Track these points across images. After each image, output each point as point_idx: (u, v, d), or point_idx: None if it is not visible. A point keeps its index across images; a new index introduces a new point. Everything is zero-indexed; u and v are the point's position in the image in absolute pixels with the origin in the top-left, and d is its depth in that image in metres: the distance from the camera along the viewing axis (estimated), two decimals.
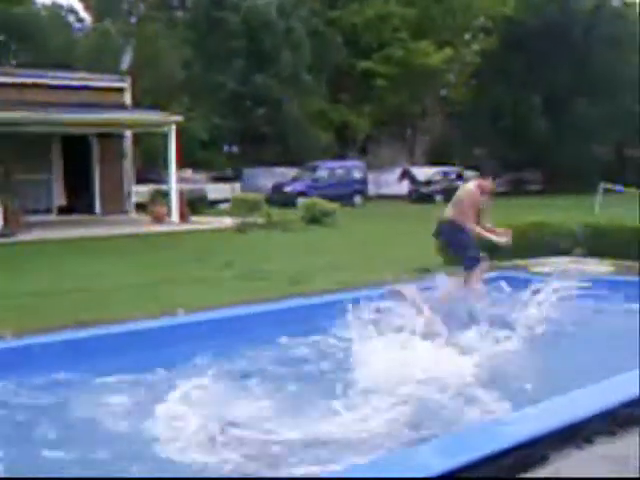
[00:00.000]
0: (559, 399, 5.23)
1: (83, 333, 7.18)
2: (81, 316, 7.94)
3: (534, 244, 12.82)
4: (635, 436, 4.76)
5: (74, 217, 22.27)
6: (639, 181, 31.09)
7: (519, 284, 8.75)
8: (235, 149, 38.34)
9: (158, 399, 5.23)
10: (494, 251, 12.08)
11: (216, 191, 30.91)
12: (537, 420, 4.77)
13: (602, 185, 24.70)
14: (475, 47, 47.03)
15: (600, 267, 11.22)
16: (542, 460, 4.35)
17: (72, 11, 41.64)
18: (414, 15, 42.21)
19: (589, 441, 4.64)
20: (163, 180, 23.27)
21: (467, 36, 48.61)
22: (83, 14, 42.21)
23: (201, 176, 33.99)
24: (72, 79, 23.75)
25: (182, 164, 25.68)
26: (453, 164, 41.56)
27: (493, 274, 10.76)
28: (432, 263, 12.54)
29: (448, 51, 41.50)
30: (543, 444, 4.44)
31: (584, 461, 4.42)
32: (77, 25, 42.15)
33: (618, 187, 26.05)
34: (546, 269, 10.97)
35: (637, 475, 3.81)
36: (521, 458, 4.28)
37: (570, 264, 11.51)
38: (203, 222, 21.47)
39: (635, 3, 44.61)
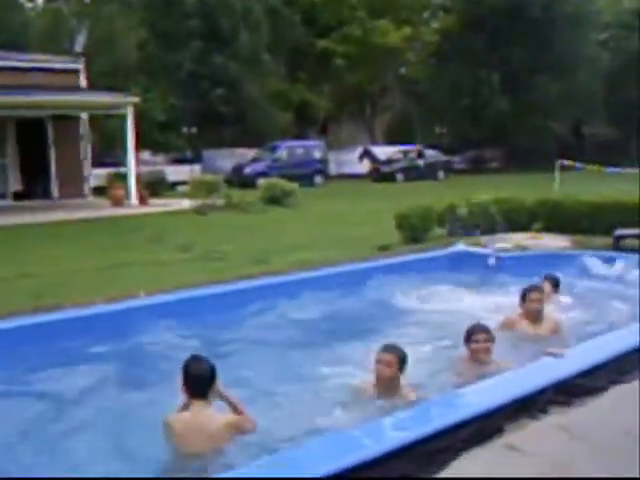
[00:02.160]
0: (515, 371, 5.28)
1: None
2: (34, 302, 7.82)
3: (494, 220, 12.97)
4: (587, 407, 4.83)
5: (30, 202, 21.85)
6: (597, 158, 31.43)
7: (477, 260, 8.85)
8: (194, 130, 37.85)
9: None
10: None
11: (175, 173, 30.57)
12: (492, 392, 4.81)
13: (560, 162, 24.97)
14: (434, 26, 47.00)
15: (556, 242, 11.36)
16: (497, 431, 4.39)
17: None
18: None
19: (544, 411, 4.70)
20: (121, 163, 22.92)
21: (426, 14, 48.55)
22: None
23: (160, 158, 33.65)
24: (25, 61, 23.22)
25: (140, 146, 25.32)
26: (414, 143, 41.67)
27: (453, 249, 10.86)
28: (392, 241, 12.62)
29: (407, 30, 41.36)
30: (498, 415, 4.48)
31: (539, 430, 4.48)
32: (29, 5, 41.20)
33: (577, 165, 26.41)
34: (506, 245, 11.09)
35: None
36: (477, 430, 4.31)
37: (528, 240, 11.65)
38: (162, 204, 21.20)
39: None
